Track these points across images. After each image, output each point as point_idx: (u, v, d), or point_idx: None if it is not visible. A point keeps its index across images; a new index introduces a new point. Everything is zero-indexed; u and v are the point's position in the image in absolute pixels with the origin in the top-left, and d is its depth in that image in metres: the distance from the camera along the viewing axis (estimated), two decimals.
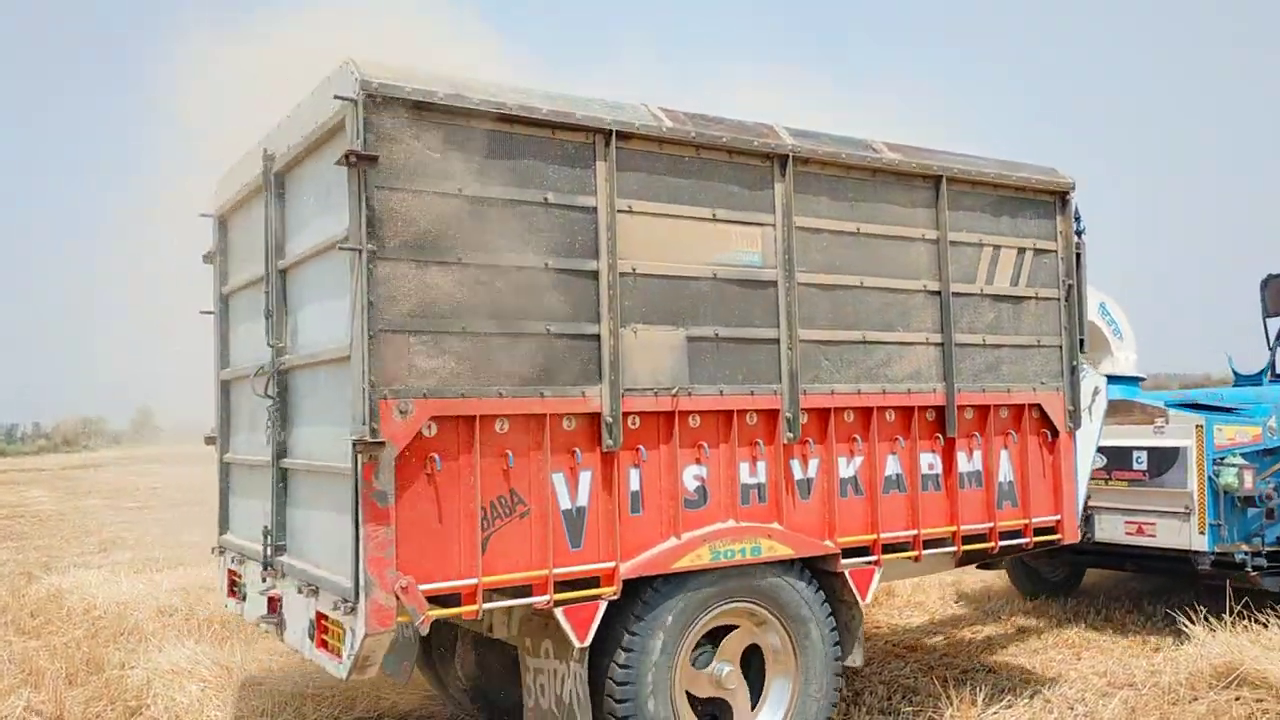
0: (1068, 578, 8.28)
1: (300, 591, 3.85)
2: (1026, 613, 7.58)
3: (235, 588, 4.91)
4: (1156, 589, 8.08)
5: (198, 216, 5.26)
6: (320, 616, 3.73)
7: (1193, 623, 6.06)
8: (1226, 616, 6.07)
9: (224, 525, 5.12)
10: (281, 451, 4.22)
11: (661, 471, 4.00)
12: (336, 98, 3.42)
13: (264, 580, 4.24)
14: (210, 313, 5.24)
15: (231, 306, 5.11)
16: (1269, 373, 9.94)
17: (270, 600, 4.23)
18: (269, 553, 4.20)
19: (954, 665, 6.16)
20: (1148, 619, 7.17)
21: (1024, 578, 8.14)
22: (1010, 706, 5.20)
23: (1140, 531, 6.68)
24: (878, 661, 6.20)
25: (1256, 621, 6.13)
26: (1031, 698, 5.38)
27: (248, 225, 4.82)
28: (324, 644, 3.72)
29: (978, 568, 7.05)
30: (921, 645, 6.68)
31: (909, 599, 8.10)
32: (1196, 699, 5.13)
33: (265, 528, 4.23)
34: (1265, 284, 10.97)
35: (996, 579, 8.52)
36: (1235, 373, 10.04)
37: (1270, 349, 10.90)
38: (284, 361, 4.18)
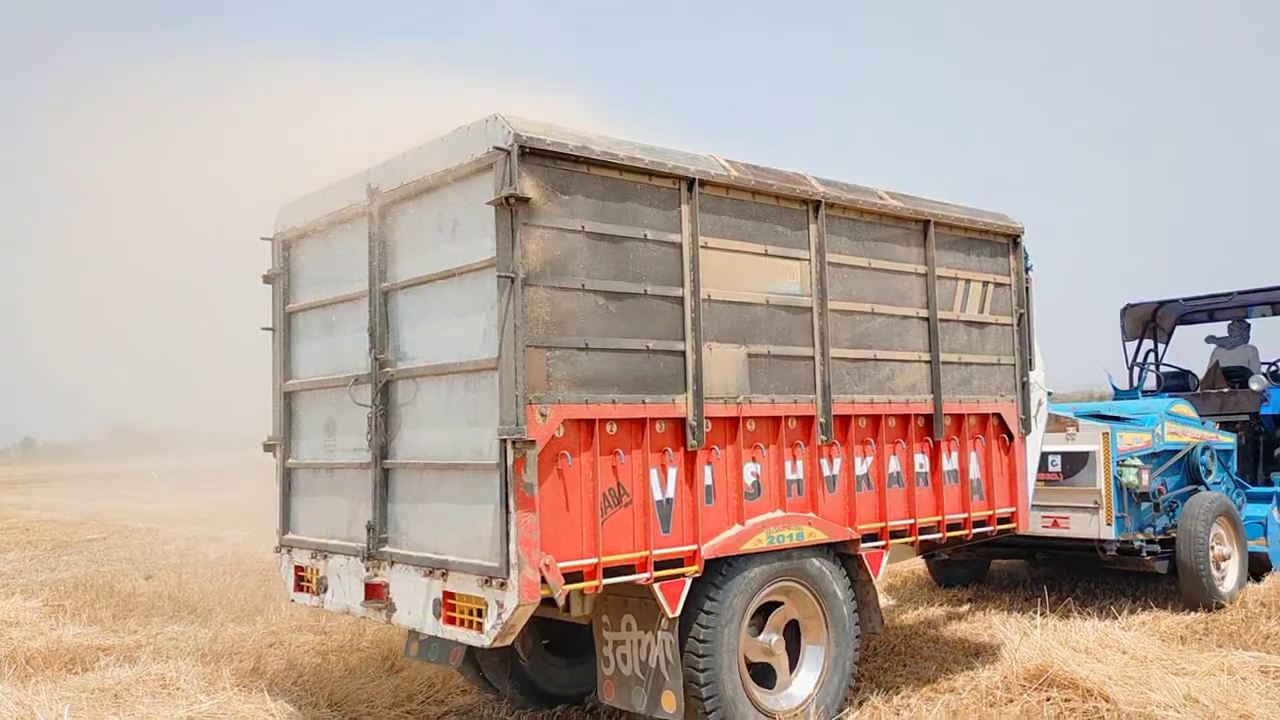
0: (977, 568, 9.37)
1: (423, 575, 4.36)
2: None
3: (303, 582, 5.33)
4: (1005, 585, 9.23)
5: (259, 239, 5.65)
6: (448, 595, 4.26)
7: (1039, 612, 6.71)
8: (1038, 619, 6.68)
9: (286, 526, 5.51)
10: (384, 453, 4.72)
11: (728, 468, 4.71)
12: (496, 149, 4.00)
13: (366, 570, 4.72)
14: (270, 329, 5.63)
15: (294, 324, 5.53)
16: (1141, 388, 11.44)
17: (372, 588, 4.71)
18: (373, 545, 4.68)
19: None
20: (972, 619, 7.57)
21: (940, 568, 9.17)
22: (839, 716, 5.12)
23: (1056, 525, 7.76)
24: None
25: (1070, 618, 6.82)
26: (860, 705, 5.39)
27: (322, 250, 5.28)
28: (452, 620, 4.24)
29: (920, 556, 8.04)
30: None
31: None
32: (1011, 701, 5.33)
33: (368, 523, 4.71)
34: (1124, 312, 12.59)
35: None
36: (1114, 389, 11.50)
37: (1128, 368, 12.49)
38: (390, 373, 4.69)
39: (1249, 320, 12.43)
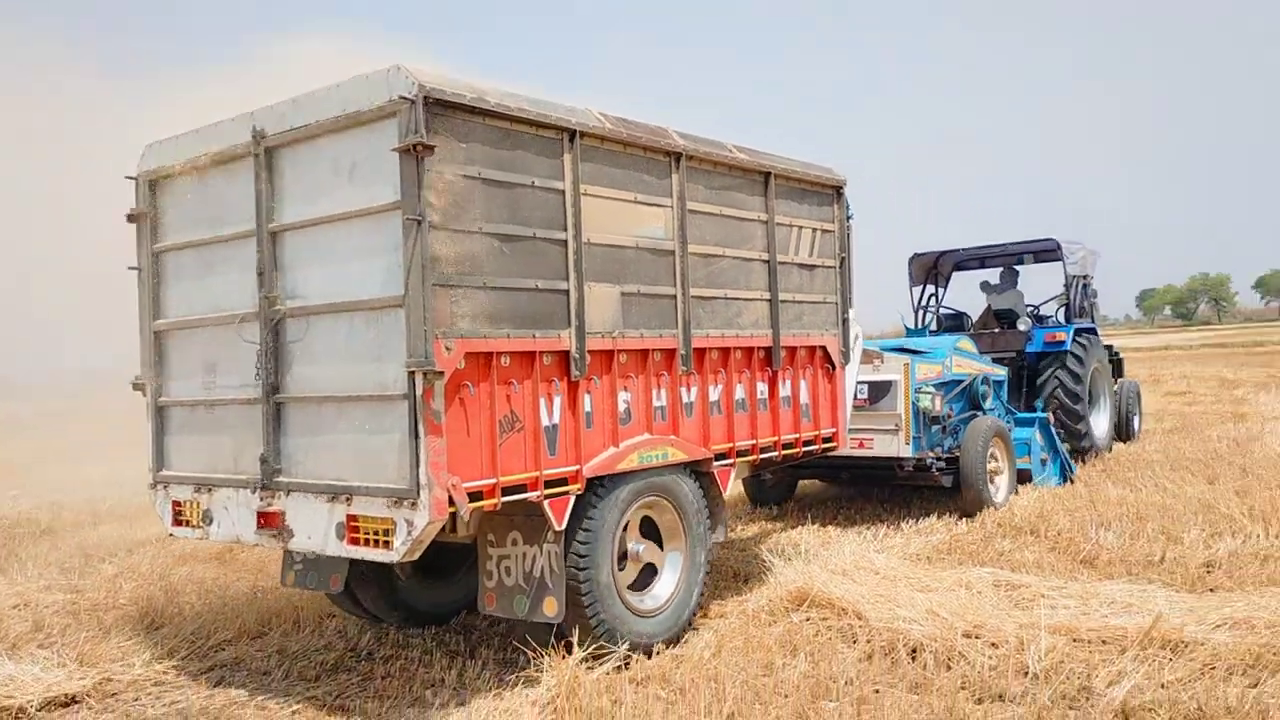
0: (786, 488, 10.30)
1: (324, 501, 4.63)
2: None
3: (181, 517, 5.43)
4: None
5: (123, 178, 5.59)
6: (351, 519, 4.54)
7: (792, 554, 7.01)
8: (803, 547, 7.24)
9: (160, 463, 5.57)
10: (275, 389, 4.90)
11: (605, 396, 5.19)
12: (401, 98, 4.24)
13: (260, 500, 4.91)
14: (136, 269, 5.61)
15: (164, 264, 5.54)
16: (929, 328, 12.72)
17: (266, 516, 4.91)
18: (267, 476, 4.88)
19: None
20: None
21: (754, 488, 10.03)
22: (608, 654, 5.04)
23: (862, 445, 8.71)
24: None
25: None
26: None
27: (195, 190, 5.32)
28: (356, 541, 4.54)
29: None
30: None
31: None
32: (775, 622, 5.62)
33: (262, 456, 4.90)
34: (911, 260, 13.91)
35: None
36: (907, 328, 12.74)
37: (915, 310, 13.84)
38: (280, 311, 4.86)
39: (1017, 268, 14.00)
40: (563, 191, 4.94)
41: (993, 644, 5.02)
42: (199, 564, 7.89)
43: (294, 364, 4.88)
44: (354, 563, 5.68)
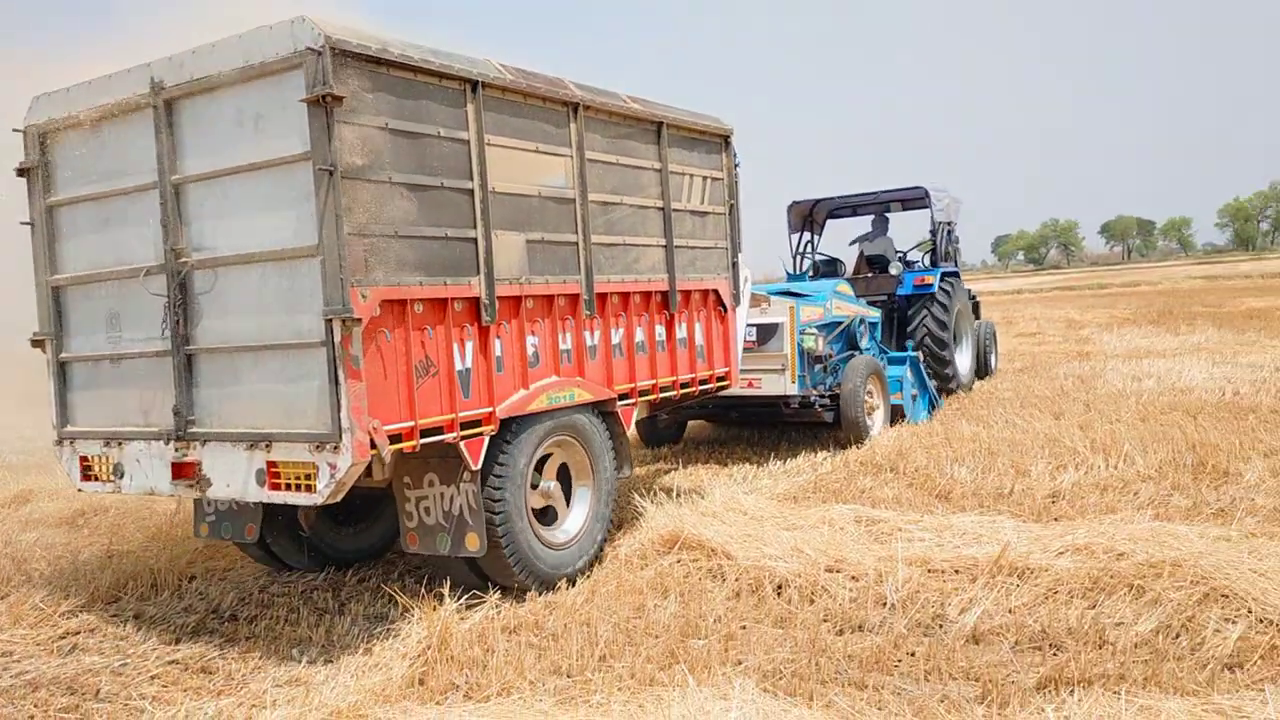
0: (677, 429, 10.69)
1: (243, 449, 4.72)
2: None
3: (90, 471, 5.42)
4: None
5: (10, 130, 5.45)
6: (271, 465, 4.65)
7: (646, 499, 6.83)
8: (675, 491, 7.16)
9: (64, 419, 5.53)
10: (185, 341, 4.94)
11: (514, 340, 5.39)
12: (308, 49, 4.30)
13: (175, 451, 4.96)
14: (29, 224, 5.50)
15: (59, 218, 5.45)
16: (809, 273, 13.25)
17: (181, 467, 4.97)
18: (181, 427, 4.93)
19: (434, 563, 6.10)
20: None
21: (647, 429, 10.36)
22: (480, 603, 5.21)
23: (751, 385, 9.12)
24: (373, 568, 6.28)
25: (697, 494, 7.16)
26: (504, 590, 5.46)
27: (90, 142, 5.25)
28: (277, 486, 4.66)
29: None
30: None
31: None
32: (647, 565, 5.71)
33: (175, 408, 4.94)
34: (789, 208, 14.39)
35: None
36: (788, 273, 13.23)
37: (793, 256, 14.37)
38: (186, 263, 4.88)
39: (886, 215, 14.65)
40: (467, 141, 5.07)
41: (853, 577, 5.21)
42: (48, 529, 7.64)
43: (203, 316, 4.91)
44: (267, 511, 5.78)
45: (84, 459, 5.44)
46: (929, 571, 5.23)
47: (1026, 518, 6.27)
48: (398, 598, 5.26)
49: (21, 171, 5.50)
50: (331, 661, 4.67)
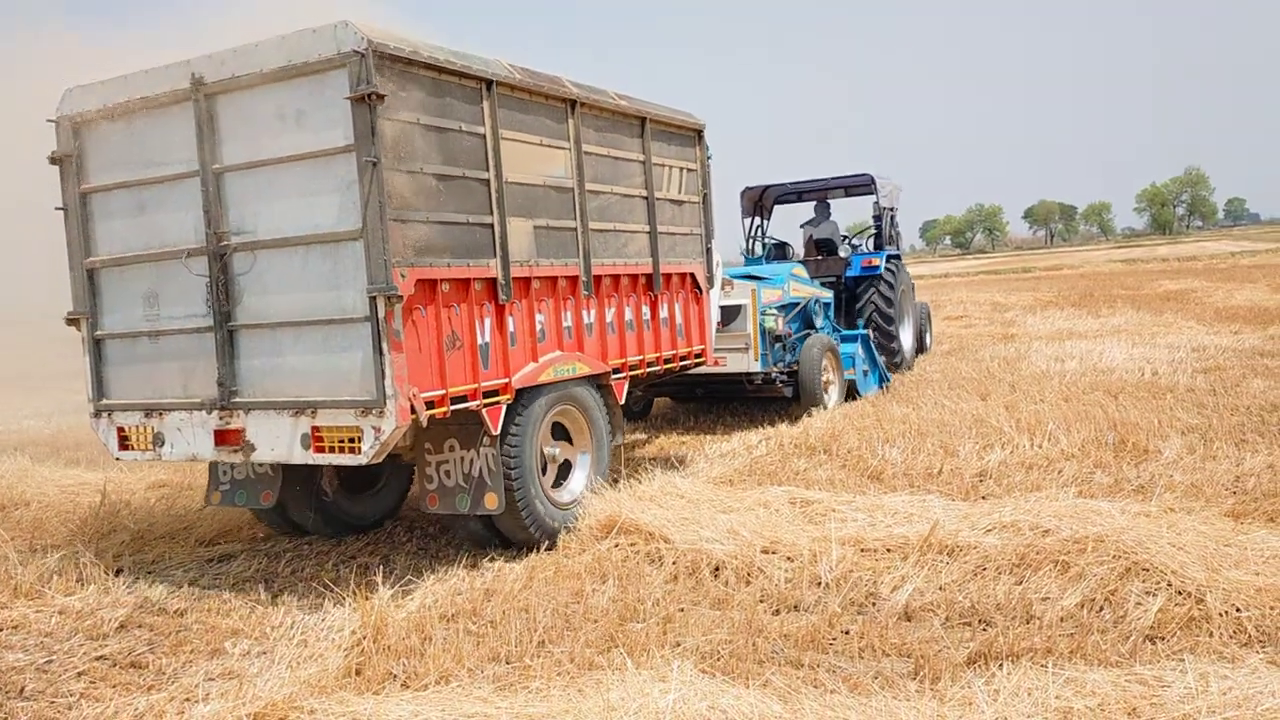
0: (644, 405, 11.27)
1: (289, 416, 5.17)
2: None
3: (127, 441, 5.81)
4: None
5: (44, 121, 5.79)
6: (316, 430, 5.12)
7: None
8: (615, 482, 6.76)
9: (100, 392, 5.90)
10: (227, 317, 5.37)
11: (525, 318, 5.90)
12: (353, 51, 4.76)
13: (219, 420, 5.39)
14: (62, 209, 5.85)
15: (93, 204, 5.81)
16: (764, 257, 13.91)
17: (225, 434, 5.40)
18: (225, 398, 5.36)
19: (372, 549, 6.39)
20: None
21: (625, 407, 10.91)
22: (416, 589, 5.32)
23: (716, 364, 9.70)
24: (307, 559, 6.20)
25: (635, 479, 6.73)
26: (451, 566, 5.69)
27: (125, 133, 5.63)
28: (321, 449, 5.12)
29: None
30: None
31: None
32: (585, 551, 5.71)
33: (219, 379, 5.37)
34: (742, 194, 15.03)
35: None
36: (745, 256, 13.87)
37: (745, 240, 15.03)
38: (228, 245, 5.30)
39: (829, 201, 15.37)
40: (484, 135, 5.57)
41: (788, 558, 5.24)
42: None
43: (245, 294, 5.35)
44: (286, 479, 6.22)
45: (121, 430, 5.83)
46: (862, 551, 5.28)
47: (955, 497, 6.37)
48: (330, 590, 5.37)
49: (54, 160, 5.84)
50: (266, 653, 4.60)
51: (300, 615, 5.07)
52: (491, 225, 5.60)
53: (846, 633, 4.38)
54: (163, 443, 5.67)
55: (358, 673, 4.24)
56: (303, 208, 5.12)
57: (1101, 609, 4.40)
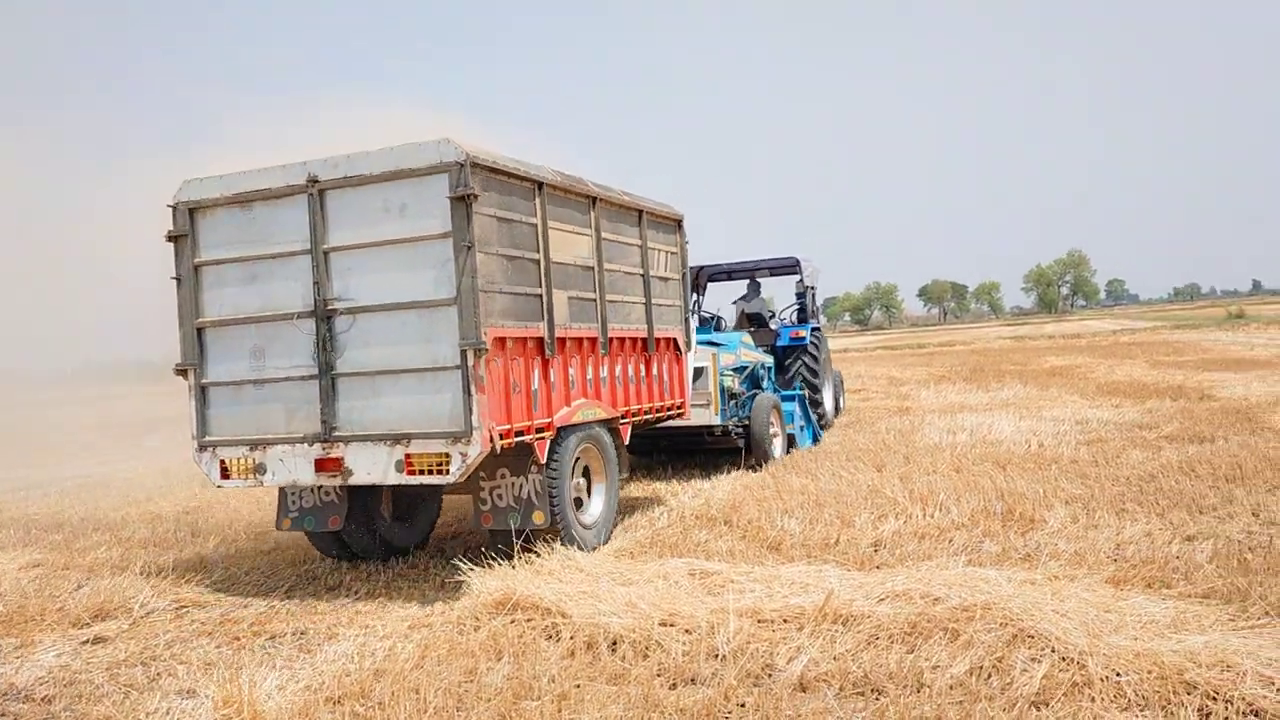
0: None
1: (385, 445, 6.43)
2: (330, 573, 7.54)
3: (228, 472, 6.96)
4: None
5: (164, 205, 7.03)
6: (409, 456, 6.38)
7: (478, 564, 6.65)
8: (508, 561, 6.80)
9: (203, 431, 7.05)
10: (329, 366, 6.63)
11: (561, 370, 7.30)
12: (454, 162, 6.17)
13: (322, 450, 6.61)
14: (179, 280, 7.05)
15: (204, 275, 7.04)
16: (711, 327, 15.55)
17: (325, 462, 6.61)
18: (326, 432, 6.60)
19: (255, 629, 6.16)
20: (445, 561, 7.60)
21: None
22: (299, 669, 5.26)
23: (683, 418, 11.19)
24: (190, 644, 5.91)
25: (532, 551, 6.94)
26: (340, 643, 5.66)
27: (239, 217, 6.90)
28: (413, 472, 6.39)
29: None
30: (202, 603, 6.81)
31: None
32: (480, 627, 5.61)
33: (322, 417, 6.61)
34: (696, 273, 16.70)
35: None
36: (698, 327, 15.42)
37: (689, 315, 16.64)
38: (334, 309, 6.59)
39: (759, 280, 17.16)
40: (536, 225, 7.02)
41: (686, 630, 5.22)
42: None
43: (346, 348, 6.63)
44: (351, 506, 7.42)
45: (223, 462, 6.98)
46: (759, 622, 5.29)
47: (851, 566, 6.46)
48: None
49: (170, 238, 7.06)
50: None
51: (177, 701, 4.91)
52: (541, 295, 7.02)
53: (742, 705, 4.37)
54: (264, 471, 6.84)
55: None
56: (402, 280, 6.46)
57: (989, 676, 4.42)
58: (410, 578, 7.28)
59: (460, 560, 6.87)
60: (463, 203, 6.23)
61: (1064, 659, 4.47)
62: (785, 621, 5.28)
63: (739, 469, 11.38)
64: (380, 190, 6.51)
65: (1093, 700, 4.14)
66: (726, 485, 9.99)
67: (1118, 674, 4.29)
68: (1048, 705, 4.14)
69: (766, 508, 8.36)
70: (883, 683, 4.48)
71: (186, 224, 7.04)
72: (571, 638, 5.30)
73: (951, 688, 4.36)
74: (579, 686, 4.68)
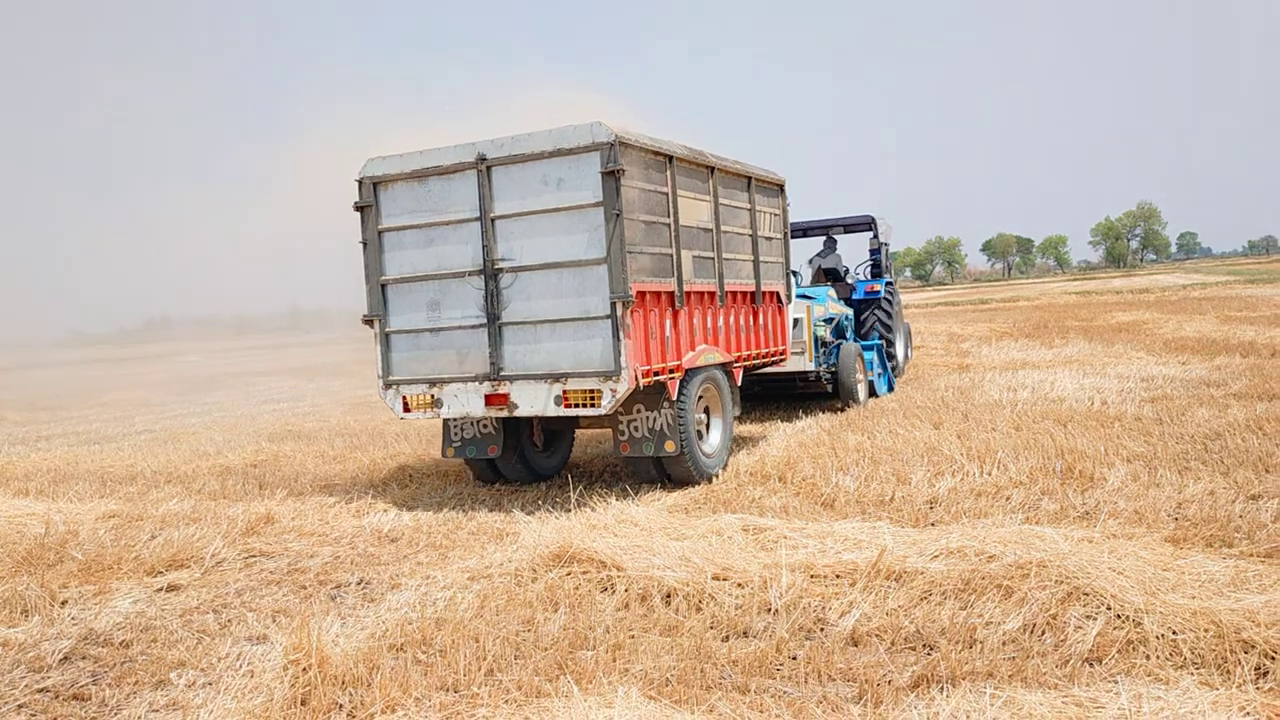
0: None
1: (545, 383, 7.63)
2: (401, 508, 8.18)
3: (409, 406, 8.23)
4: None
5: (352, 180, 8.25)
6: (566, 392, 7.58)
7: (530, 516, 7.34)
8: (569, 510, 7.47)
9: (388, 371, 8.32)
10: (495, 317, 7.82)
11: (687, 320, 8.42)
12: (604, 142, 7.28)
13: (490, 387, 7.84)
14: (365, 244, 8.29)
15: (386, 239, 8.26)
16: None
17: (493, 397, 7.84)
18: (494, 372, 7.82)
19: (320, 578, 6.28)
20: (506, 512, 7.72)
21: None
22: (364, 618, 5.34)
23: (779, 364, 12.28)
24: (260, 593, 6.04)
25: (588, 506, 7.41)
26: (404, 592, 5.76)
27: (416, 190, 8.09)
28: (569, 405, 7.59)
29: None
30: (270, 553, 6.92)
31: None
32: (537, 579, 5.68)
33: (490, 358, 7.82)
34: None
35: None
36: None
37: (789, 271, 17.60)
38: (500, 267, 7.77)
39: (835, 237, 18.08)
40: (667, 194, 8.12)
41: (739, 584, 5.27)
42: None
43: (511, 302, 7.82)
44: (506, 436, 8.65)
45: (405, 398, 8.25)
46: (811, 577, 5.31)
47: (905, 523, 6.45)
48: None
49: (358, 208, 8.29)
50: (211, 684, 4.56)
51: (248, 646, 5.01)
52: (671, 255, 8.13)
53: (794, 658, 4.40)
54: (440, 405, 8.10)
55: (303, 703, 4.21)
56: (558, 243, 7.61)
57: (1043, 633, 4.42)
58: (470, 530, 7.29)
59: (517, 511, 7.60)
60: (612, 176, 7.35)
61: (1119, 616, 4.45)
62: (838, 577, 5.31)
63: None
64: (540, 166, 7.64)
65: (1147, 658, 4.12)
66: (781, 442, 9.92)
67: (1174, 632, 4.25)
68: (1101, 662, 4.13)
69: (821, 465, 8.36)
70: (935, 638, 4.47)
71: (371, 196, 8.26)
72: (626, 590, 5.35)
73: (1004, 644, 4.36)
74: (633, 637, 4.73)
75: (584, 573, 5.67)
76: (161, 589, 6.19)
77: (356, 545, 7.07)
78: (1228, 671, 3.96)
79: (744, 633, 4.75)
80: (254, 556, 6.87)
